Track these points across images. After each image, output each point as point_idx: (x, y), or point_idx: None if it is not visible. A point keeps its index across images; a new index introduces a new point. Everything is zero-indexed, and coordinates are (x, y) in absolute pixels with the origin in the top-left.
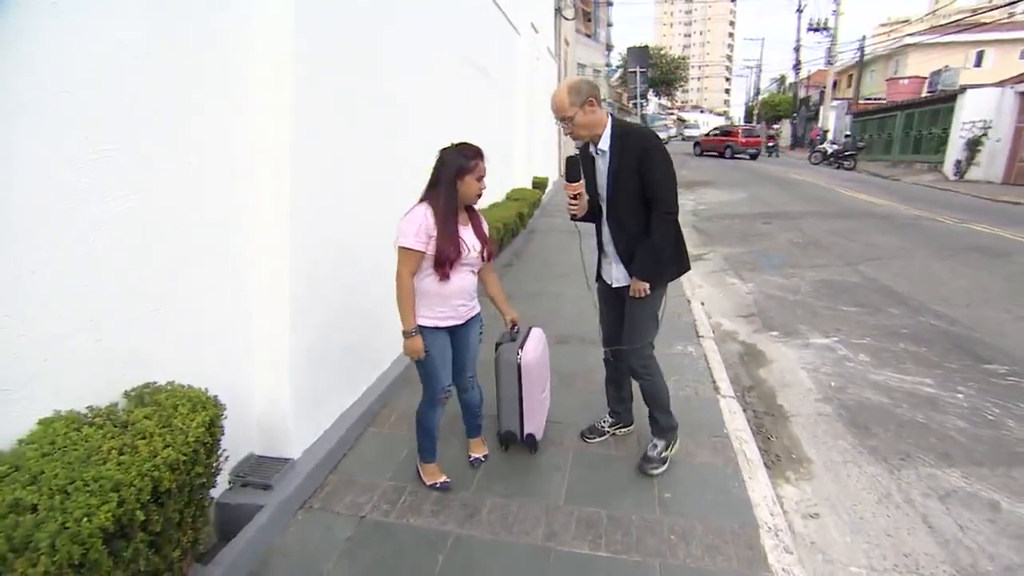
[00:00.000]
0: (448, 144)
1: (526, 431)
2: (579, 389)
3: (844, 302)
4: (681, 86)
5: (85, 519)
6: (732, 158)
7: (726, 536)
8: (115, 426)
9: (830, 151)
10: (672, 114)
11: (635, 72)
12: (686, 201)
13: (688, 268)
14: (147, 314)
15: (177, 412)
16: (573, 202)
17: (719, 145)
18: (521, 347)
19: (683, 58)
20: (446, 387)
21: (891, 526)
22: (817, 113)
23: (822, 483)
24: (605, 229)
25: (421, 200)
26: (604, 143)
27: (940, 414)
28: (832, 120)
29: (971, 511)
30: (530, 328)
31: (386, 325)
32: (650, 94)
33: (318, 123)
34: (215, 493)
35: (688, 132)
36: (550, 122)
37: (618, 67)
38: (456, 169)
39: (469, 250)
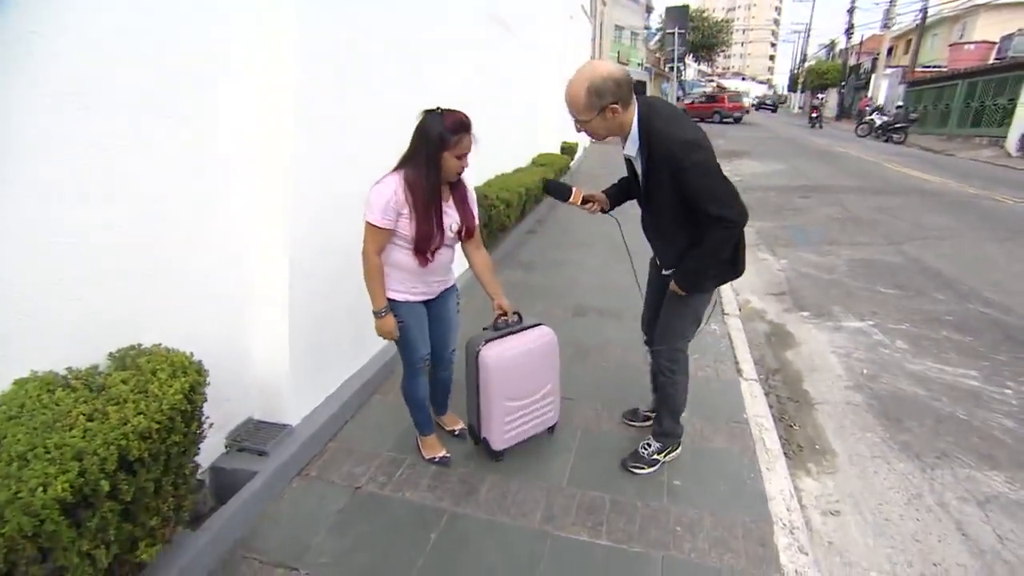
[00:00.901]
0: (434, 108)
1: (482, 434)
2: (593, 364)
3: (883, 284)
4: (723, 51)
5: (40, 489)
6: (720, 122)
7: (736, 531)
8: (90, 390)
9: (879, 123)
10: (712, 81)
11: (673, 34)
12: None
13: (742, 271)
14: (138, 273)
15: (155, 377)
16: (587, 206)
17: (706, 111)
18: (491, 340)
19: (726, 21)
20: (424, 356)
21: (920, 530)
22: (868, 82)
23: (846, 478)
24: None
25: (396, 168)
26: (631, 147)
27: (984, 411)
28: (884, 89)
29: (1013, 520)
30: (535, 325)
31: None
32: (689, 59)
33: (322, 73)
34: (211, 458)
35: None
36: None
37: (657, 30)
38: (437, 142)
39: (448, 230)
